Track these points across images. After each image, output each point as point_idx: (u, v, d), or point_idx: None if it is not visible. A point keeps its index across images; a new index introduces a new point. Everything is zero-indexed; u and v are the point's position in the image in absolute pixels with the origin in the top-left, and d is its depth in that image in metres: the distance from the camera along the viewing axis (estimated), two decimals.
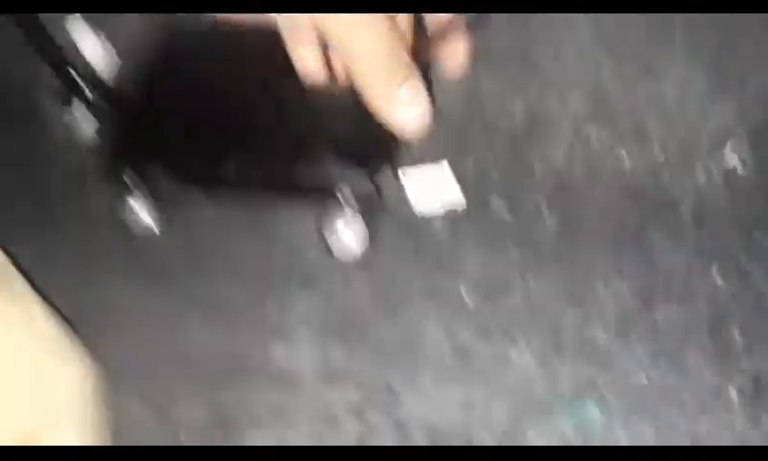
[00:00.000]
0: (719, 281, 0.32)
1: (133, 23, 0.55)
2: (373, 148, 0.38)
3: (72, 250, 0.43)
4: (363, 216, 0.39)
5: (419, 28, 0.38)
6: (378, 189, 0.39)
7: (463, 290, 0.35)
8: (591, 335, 0.31)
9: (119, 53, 0.55)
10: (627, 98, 0.39)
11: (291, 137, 0.40)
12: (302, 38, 0.36)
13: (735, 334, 0.30)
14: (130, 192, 0.45)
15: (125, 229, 0.44)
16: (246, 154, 0.40)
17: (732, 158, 0.36)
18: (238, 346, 0.34)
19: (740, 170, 0.35)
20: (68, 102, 0.51)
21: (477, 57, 0.45)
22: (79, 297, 0.39)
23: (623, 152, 0.38)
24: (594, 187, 0.38)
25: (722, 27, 0.38)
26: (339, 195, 0.39)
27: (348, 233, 0.39)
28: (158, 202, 0.45)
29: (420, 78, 0.36)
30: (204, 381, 0.32)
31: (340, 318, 0.34)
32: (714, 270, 0.32)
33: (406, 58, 0.34)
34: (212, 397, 0.33)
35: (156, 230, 0.42)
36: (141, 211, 0.44)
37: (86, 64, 0.52)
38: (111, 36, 0.55)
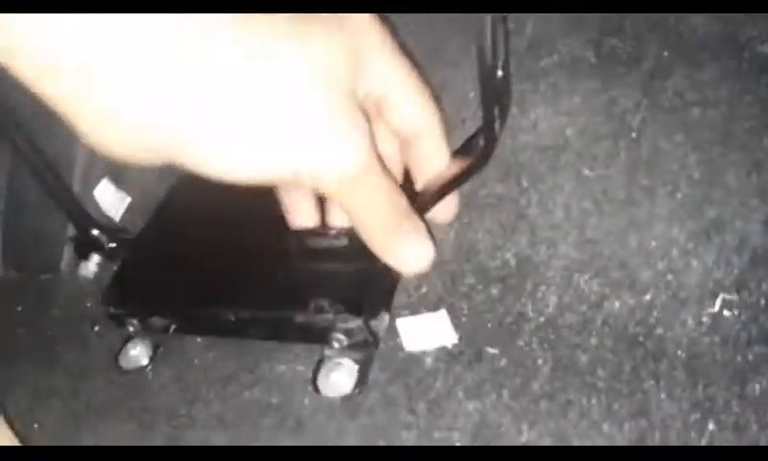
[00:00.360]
0: (716, 435, 0.31)
1: (151, 176, 0.59)
2: (369, 293, 0.39)
3: (67, 387, 0.43)
4: (356, 361, 0.39)
5: (407, 180, 0.41)
6: (373, 335, 0.40)
7: (456, 437, 0.34)
8: None
9: (135, 205, 0.58)
10: (615, 249, 0.41)
11: (288, 281, 0.41)
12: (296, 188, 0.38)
13: None
14: (130, 336, 0.46)
15: (119, 368, 0.44)
16: (244, 299, 0.41)
17: (719, 305, 0.36)
18: None
19: (728, 316, 0.36)
20: (85, 256, 0.53)
21: (468, 203, 0.47)
22: (66, 428, 0.39)
23: (615, 300, 0.39)
24: (587, 335, 0.38)
25: (699, 182, 0.40)
26: (333, 339, 0.40)
27: (340, 378, 0.39)
28: (156, 344, 0.45)
29: (421, 222, 0.37)
30: None
31: None
32: (710, 422, 0.31)
33: (407, 207, 0.37)
34: None
35: (149, 370, 0.42)
36: (138, 352, 0.45)
37: (107, 218, 0.55)
38: (129, 189, 0.58)
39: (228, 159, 0.24)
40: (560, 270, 0.41)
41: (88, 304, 0.52)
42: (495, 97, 0.35)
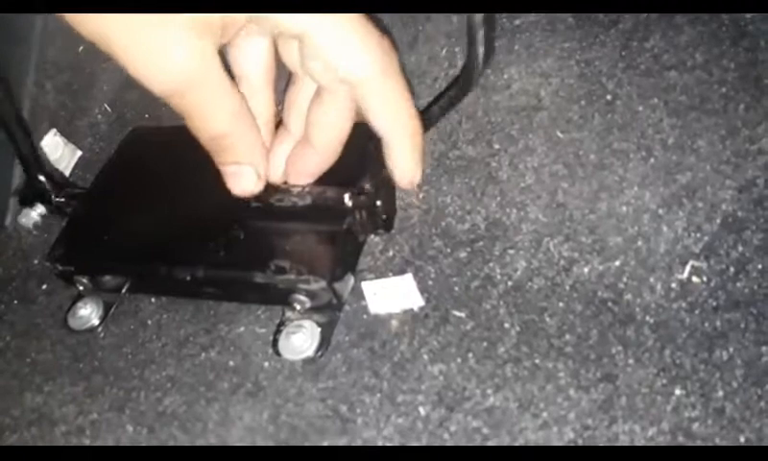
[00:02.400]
0: (682, 400, 0.31)
1: (102, 130, 0.56)
2: (332, 255, 0.38)
3: (11, 347, 0.41)
4: (319, 324, 0.38)
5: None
6: (337, 297, 0.38)
7: (420, 400, 0.33)
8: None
9: (85, 158, 0.55)
10: (586, 214, 0.40)
11: (247, 240, 0.39)
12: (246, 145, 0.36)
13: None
14: (80, 295, 0.43)
15: (68, 327, 0.42)
16: (201, 259, 0.39)
17: (688, 272, 0.36)
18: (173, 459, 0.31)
19: (697, 283, 0.35)
20: (29, 203, 0.50)
21: (439, 166, 0.46)
22: (10, 390, 0.37)
23: (584, 265, 0.38)
24: (555, 299, 0.37)
25: (673, 146, 0.40)
26: (295, 301, 0.38)
27: (301, 340, 0.38)
28: (107, 304, 0.43)
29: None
30: None
31: (288, 432, 0.32)
32: (677, 388, 0.31)
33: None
34: None
35: (100, 331, 0.40)
36: (88, 312, 0.43)
37: (54, 169, 0.52)
38: (79, 143, 0.55)
39: None
40: (529, 234, 0.40)
41: (35, 262, 0.49)
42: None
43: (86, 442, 0.33)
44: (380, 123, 0.34)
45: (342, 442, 0.31)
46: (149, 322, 0.41)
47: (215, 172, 0.38)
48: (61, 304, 0.45)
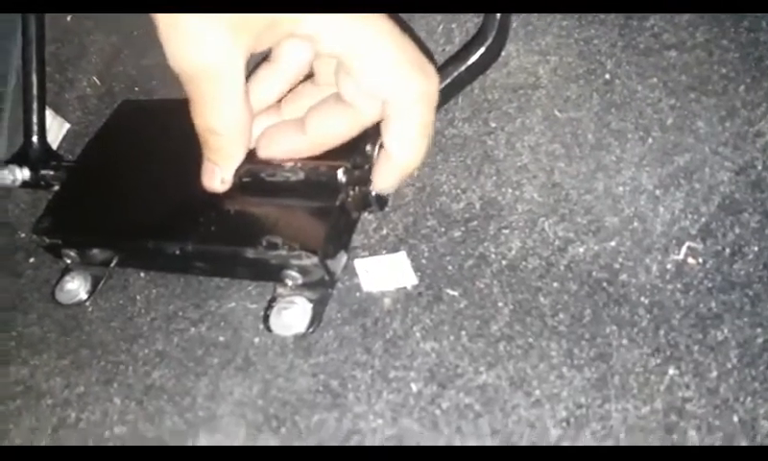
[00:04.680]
0: (676, 379, 0.30)
1: (91, 103, 0.55)
2: (325, 231, 0.37)
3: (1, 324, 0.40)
4: (311, 300, 0.37)
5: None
6: (330, 274, 0.38)
7: (412, 376, 0.33)
8: (542, 427, 0.29)
9: (73, 131, 0.54)
10: (582, 194, 0.39)
11: (239, 215, 0.39)
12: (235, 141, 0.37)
13: (692, 434, 0.28)
14: (68, 268, 0.43)
15: (56, 301, 0.41)
16: (191, 233, 0.38)
17: (684, 253, 0.35)
18: (162, 433, 0.31)
19: (693, 264, 0.35)
20: (16, 163, 0.49)
21: (434, 143, 0.45)
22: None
23: (579, 246, 0.38)
24: (549, 279, 0.37)
25: (671, 127, 0.39)
26: (287, 277, 0.37)
27: (293, 316, 0.37)
28: (95, 278, 0.42)
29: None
30: None
31: (278, 406, 0.32)
32: (671, 368, 0.31)
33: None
34: None
35: (88, 303, 0.40)
36: (75, 286, 0.42)
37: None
38: (67, 116, 0.54)
39: None
40: (524, 213, 0.40)
41: (22, 235, 0.49)
42: None
43: (73, 415, 0.32)
44: (392, 140, 0.34)
45: (333, 417, 0.31)
46: (138, 296, 0.41)
47: None
48: (49, 278, 0.44)
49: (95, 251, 0.42)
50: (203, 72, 0.32)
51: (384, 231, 0.42)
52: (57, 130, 0.53)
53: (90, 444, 0.30)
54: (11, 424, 0.28)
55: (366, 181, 0.38)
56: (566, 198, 0.40)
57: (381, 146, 0.36)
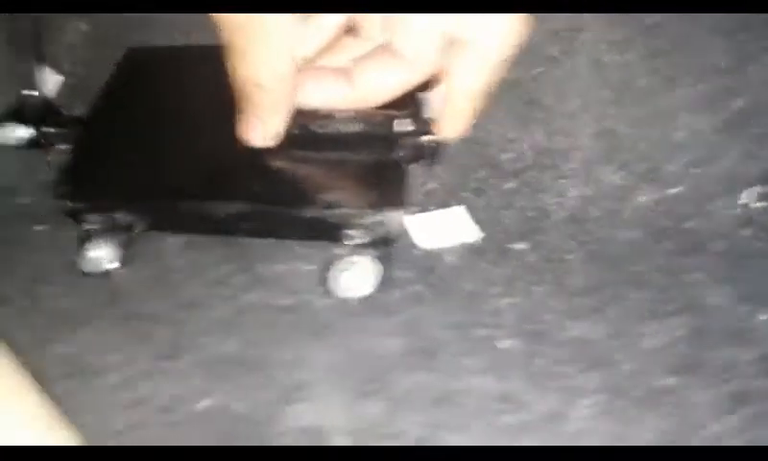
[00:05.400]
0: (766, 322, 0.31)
1: (86, 54, 0.50)
2: (387, 185, 0.35)
3: (21, 293, 0.36)
4: (373, 259, 0.36)
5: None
6: (392, 230, 0.36)
7: (500, 333, 0.32)
8: (656, 374, 0.28)
9: (70, 86, 0.49)
10: (637, 140, 0.39)
11: (291, 171, 0.36)
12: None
13: None
14: (87, 232, 0.39)
15: (81, 271, 0.38)
16: (239, 192, 0.36)
17: (749, 196, 0.36)
18: (255, 406, 0.29)
19: (758, 207, 0.35)
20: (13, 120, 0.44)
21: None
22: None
23: (640, 194, 0.37)
24: (615, 229, 0.36)
25: (725, 71, 0.39)
26: (347, 236, 0.35)
27: (356, 277, 0.35)
28: (122, 243, 0.39)
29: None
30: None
31: (369, 370, 0.30)
32: (760, 310, 0.31)
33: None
34: None
35: (120, 271, 0.36)
36: (100, 251, 0.38)
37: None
38: (55, 64, 0.49)
39: None
40: (579, 162, 0.39)
41: (24, 201, 0.44)
42: None
43: (145, 393, 0.30)
44: (466, 78, 0.32)
45: (430, 378, 0.29)
46: (177, 262, 0.38)
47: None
48: (65, 246, 0.40)
49: (125, 214, 0.38)
50: (252, 20, 0.29)
51: (430, 186, 0.40)
52: (49, 84, 0.48)
53: (176, 421, 0.28)
54: (70, 407, 0.25)
55: (422, 130, 0.36)
56: (622, 145, 0.39)
57: (444, 90, 0.34)
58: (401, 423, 0.28)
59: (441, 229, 0.38)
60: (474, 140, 0.41)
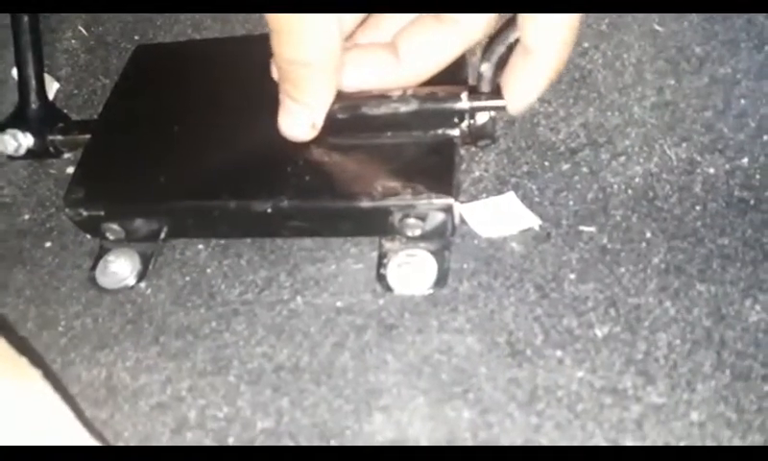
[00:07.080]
0: None
1: (77, 54, 0.47)
2: (445, 170, 0.31)
3: (35, 315, 0.32)
4: (432, 252, 0.32)
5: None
6: (454, 219, 0.32)
7: (590, 321, 0.29)
8: (749, 360, 0.25)
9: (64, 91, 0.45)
10: (699, 110, 0.36)
11: (337, 161, 0.33)
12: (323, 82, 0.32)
13: None
14: (102, 245, 0.35)
15: (99, 287, 0.34)
16: (282, 187, 0.32)
17: None
18: (324, 419, 0.25)
19: None
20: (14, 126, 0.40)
21: None
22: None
23: (707, 166, 0.35)
24: (688, 204, 0.33)
25: None
26: (404, 228, 0.32)
27: (416, 272, 0.32)
28: (141, 253, 0.35)
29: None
30: None
31: (450, 370, 0.26)
32: None
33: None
34: None
35: (142, 285, 0.32)
36: (120, 264, 0.34)
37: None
38: (53, 69, 0.46)
39: None
40: (638, 137, 0.36)
41: (25, 217, 0.40)
42: None
43: (193, 413, 0.25)
44: (541, 38, 0.30)
45: (522, 374, 0.26)
46: (208, 270, 0.34)
47: (269, 88, 0.31)
48: (78, 263, 0.36)
49: (146, 220, 0.34)
50: None
51: (477, 173, 0.37)
52: (47, 89, 0.44)
53: (233, 443, 0.24)
54: (110, 433, 0.21)
55: (495, 105, 0.33)
56: (683, 117, 0.36)
57: (508, 55, 0.31)
58: (497, 428, 0.24)
59: (496, 216, 0.35)
60: (520, 121, 0.38)
